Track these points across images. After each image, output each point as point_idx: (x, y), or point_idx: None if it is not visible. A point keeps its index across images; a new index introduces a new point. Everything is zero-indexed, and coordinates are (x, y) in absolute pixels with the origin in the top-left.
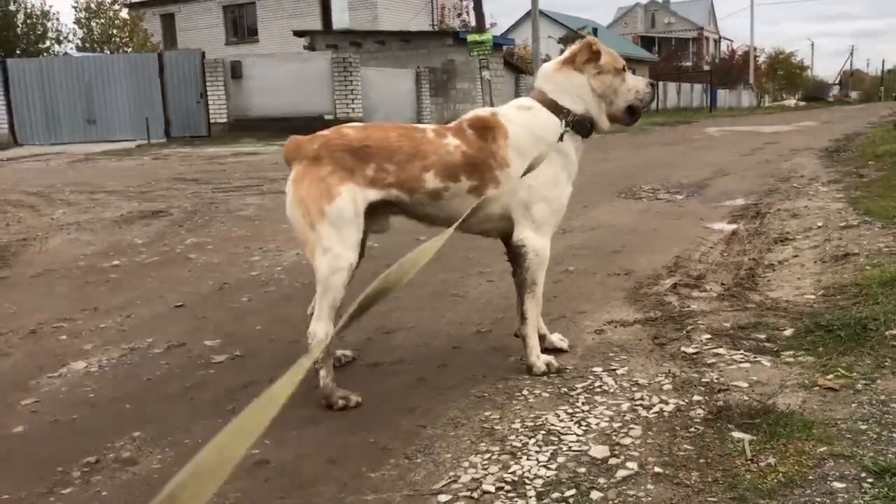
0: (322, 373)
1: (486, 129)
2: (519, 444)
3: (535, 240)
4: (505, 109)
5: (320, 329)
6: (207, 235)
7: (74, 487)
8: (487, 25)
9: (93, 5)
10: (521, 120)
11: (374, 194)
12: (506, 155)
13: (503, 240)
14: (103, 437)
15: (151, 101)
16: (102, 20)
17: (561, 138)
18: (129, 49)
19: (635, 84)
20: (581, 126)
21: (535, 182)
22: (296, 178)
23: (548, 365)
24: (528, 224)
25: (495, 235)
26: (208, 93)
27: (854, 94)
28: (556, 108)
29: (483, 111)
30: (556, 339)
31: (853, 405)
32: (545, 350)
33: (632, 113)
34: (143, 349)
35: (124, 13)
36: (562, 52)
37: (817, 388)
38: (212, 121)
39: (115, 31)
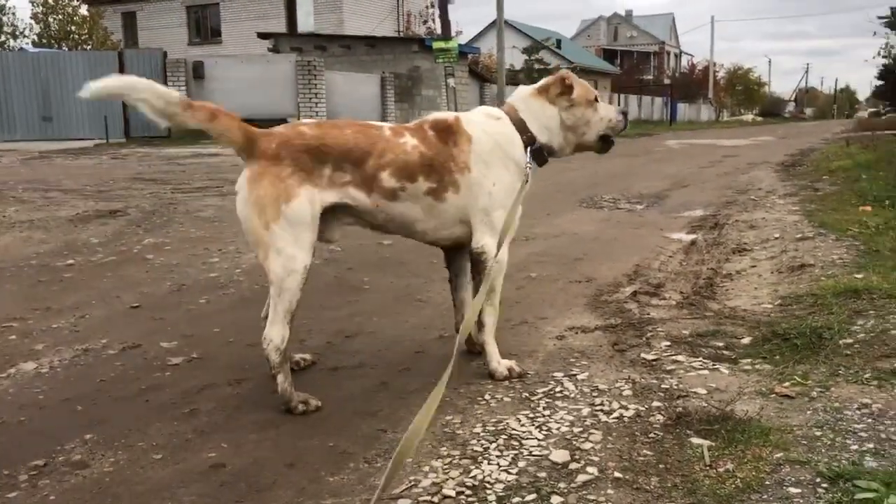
0: (279, 378)
1: (448, 133)
2: (480, 449)
3: (496, 246)
4: (471, 115)
5: (276, 334)
6: (166, 236)
7: (21, 491)
8: (453, 33)
9: (50, 0)
10: (488, 128)
11: (331, 196)
12: (467, 160)
13: (451, 248)
14: (53, 440)
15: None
16: (60, 16)
17: (527, 178)
18: (88, 46)
19: (607, 113)
20: (538, 155)
21: (495, 189)
22: (253, 178)
23: (509, 370)
24: (488, 230)
25: (449, 244)
26: None
27: (809, 111)
28: (522, 127)
29: (446, 114)
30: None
31: (808, 412)
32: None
33: (605, 141)
34: (97, 350)
35: (83, 10)
36: (526, 62)
37: (774, 395)
38: None
39: (73, 28)
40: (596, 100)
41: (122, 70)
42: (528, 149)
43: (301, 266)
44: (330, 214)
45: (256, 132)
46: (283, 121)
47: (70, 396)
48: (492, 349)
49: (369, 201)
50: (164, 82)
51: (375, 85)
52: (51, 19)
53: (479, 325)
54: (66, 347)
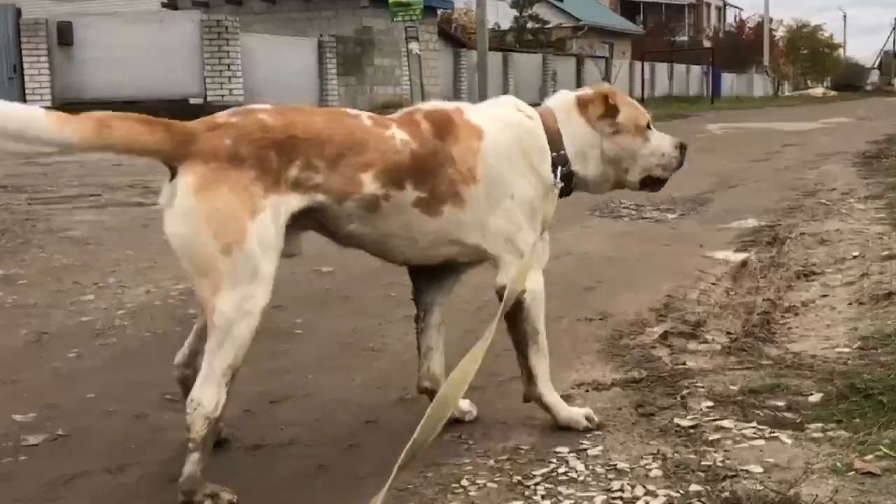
0: (195, 456)
1: (448, 126)
2: None
3: (531, 278)
4: (483, 107)
5: (208, 396)
6: (20, 265)
7: None
8: None
9: None
10: (507, 119)
11: (296, 202)
12: (474, 166)
13: (425, 279)
14: None
15: None
16: None
17: (556, 198)
18: None
19: (659, 146)
20: (566, 181)
21: (513, 204)
22: (203, 185)
23: (588, 419)
24: (515, 260)
25: (435, 263)
26: (25, 65)
27: None
28: (556, 140)
29: (448, 104)
30: (466, 405)
31: None
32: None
33: (653, 182)
34: None
35: None
36: (516, 20)
37: (853, 472)
38: (30, 103)
39: None
40: (648, 126)
41: None
42: (559, 169)
43: (259, 307)
44: (294, 221)
45: (191, 127)
46: (183, 102)
47: None
48: (554, 398)
49: (341, 209)
50: (18, 51)
51: (311, 53)
52: None
53: (529, 376)
54: None
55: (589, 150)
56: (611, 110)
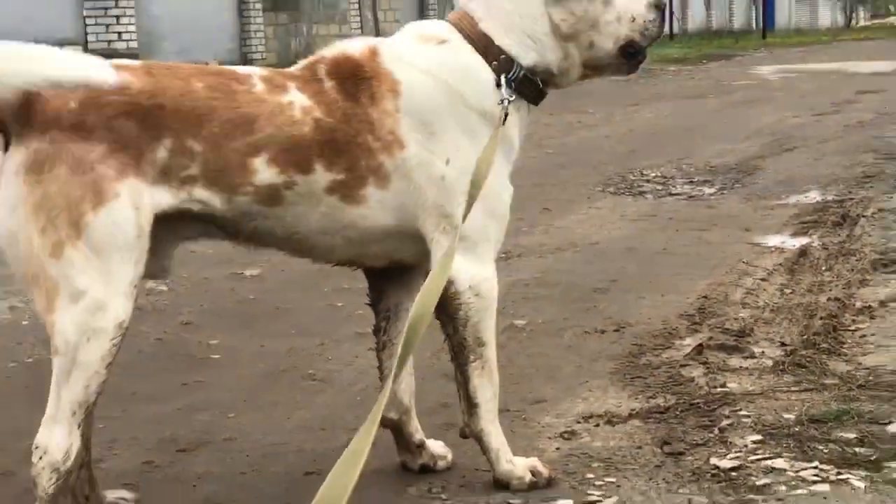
0: None
1: (360, 79)
2: None
3: (470, 268)
4: (396, 44)
5: (55, 441)
6: None
7: None
8: None
9: None
10: (426, 62)
11: (166, 198)
12: (396, 127)
13: (383, 274)
14: None
15: None
16: None
17: (504, 118)
18: None
19: (627, 7)
20: (527, 87)
21: (452, 170)
22: (32, 164)
23: (533, 473)
24: (453, 243)
25: (380, 265)
26: None
27: None
28: (488, 47)
29: (355, 45)
30: (440, 448)
31: None
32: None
33: (630, 55)
34: None
35: None
36: None
37: None
38: None
39: None
40: None
41: None
42: (505, 78)
43: (112, 323)
44: (162, 226)
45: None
46: None
47: None
48: (496, 442)
49: (231, 207)
50: None
51: None
52: None
53: (469, 403)
54: None
55: (535, 27)
56: None
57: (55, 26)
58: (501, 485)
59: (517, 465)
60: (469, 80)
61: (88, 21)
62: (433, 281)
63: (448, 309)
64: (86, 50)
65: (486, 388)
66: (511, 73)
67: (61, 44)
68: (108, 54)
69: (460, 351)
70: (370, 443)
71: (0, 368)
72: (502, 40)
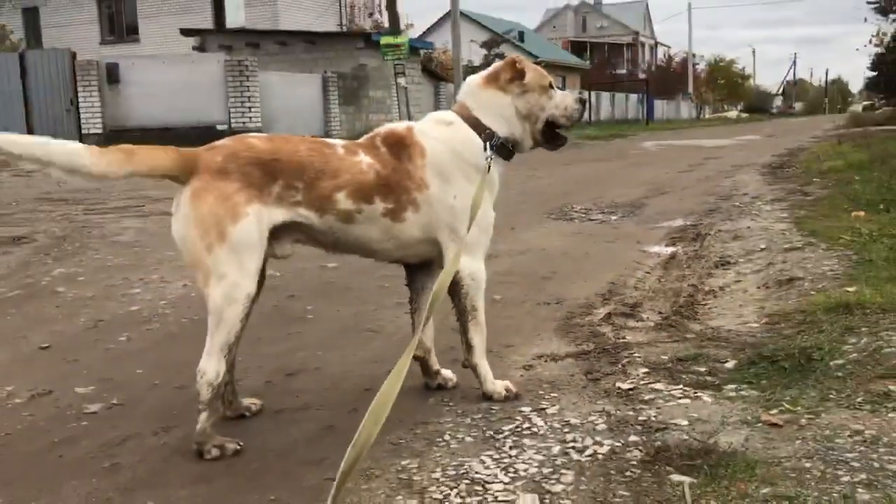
0: (204, 415)
1: (401, 147)
2: (440, 496)
3: (469, 263)
4: (422, 124)
5: (211, 367)
6: (79, 265)
7: None
8: (403, 27)
9: None
10: (441, 136)
11: (280, 215)
12: (423, 175)
13: (416, 266)
14: None
15: (11, 107)
16: None
17: (488, 168)
18: None
19: (562, 100)
20: (503, 150)
21: (458, 202)
22: (195, 193)
23: (507, 390)
24: (458, 248)
25: (416, 261)
26: (80, 99)
27: (798, 106)
28: (478, 126)
29: (398, 126)
30: (449, 374)
31: (797, 442)
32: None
33: (553, 131)
34: (1, 399)
35: None
36: (486, 57)
37: (761, 424)
38: (84, 131)
39: None
40: (550, 86)
41: (23, 74)
42: (488, 144)
43: (244, 295)
44: (281, 230)
45: (195, 150)
46: (211, 129)
47: None
48: (484, 370)
49: (322, 222)
50: (74, 87)
51: (316, 86)
52: None
53: (468, 346)
54: None
55: (506, 112)
56: (517, 74)
57: (212, 114)
58: (487, 397)
59: (497, 385)
60: (467, 146)
61: (231, 111)
62: (446, 271)
63: (456, 287)
64: (229, 127)
65: (478, 335)
66: (493, 141)
67: (215, 125)
68: (243, 130)
69: (462, 313)
70: (406, 366)
71: (177, 323)
72: (486, 121)
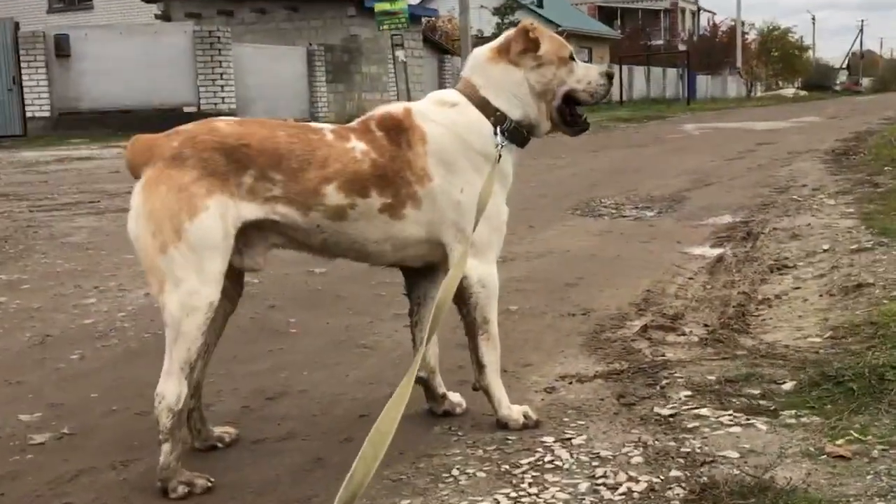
0: (166, 447)
1: (400, 131)
2: None
3: (478, 268)
4: (422, 105)
5: (170, 389)
6: (23, 271)
7: None
8: None
9: None
10: (444, 119)
11: (251, 210)
12: (425, 165)
13: (417, 272)
14: None
15: None
16: None
17: (498, 159)
18: None
19: (585, 74)
20: (516, 135)
21: (465, 196)
22: (147, 185)
23: (525, 416)
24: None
25: (417, 265)
26: (24, 77)
27: (865, 82)
28: (487, 107)
29: (395, 107)
30: (457, 398)
31: (869, 477)
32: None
33: (573, 110)
34: None
35: None
36: (498, 26)
37: (825, 456)
38: (29, 115)
39: None
40: (571, 58)
41: None
42: (499, 129)
43: (205, 303)
44: (253, 234)
45: (153, 136)
46: (177, 111)
47: None
48: (499, 393)
49: (306, 220)
50: (17, 62)
51: (300, 61)
52: None
53: (479, 365)
54: None
55: (520, 90)
56: (532, 45)
57: (179, 94)
58: (501, 425)
59: (513, 411)
60: (474, 132)
61: (201, 90)
62: (452, 275)
63: (463, 297)
64: (198, 109)
65: (491, 353)
66: (504, 125)
67: (181, 107)
68: (215, 113)
69: (472, 327)
70: (408, 392)
71: (138, 338)
72: (496, 102)
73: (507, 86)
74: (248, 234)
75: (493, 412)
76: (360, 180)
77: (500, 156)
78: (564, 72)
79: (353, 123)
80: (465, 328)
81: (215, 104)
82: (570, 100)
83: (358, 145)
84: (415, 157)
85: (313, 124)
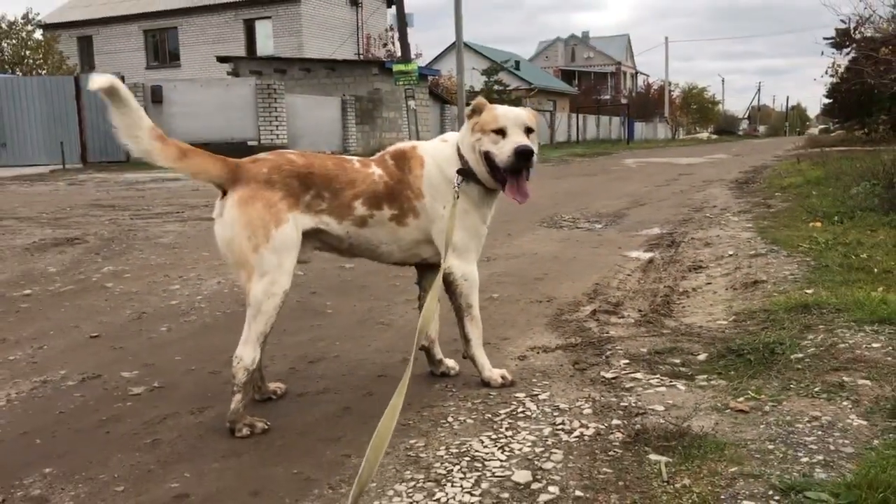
0: (237, 397)
1: (404, 160)
2: (443, 472)
3: (461, 266)
4: (427, 142)
5: (248, 353)
6: (125, 263)
7: None
8: (413, 56)
9: (3, 25)
10: (434, 152)
11: (308, 222)
12: (420, 186)
13: (426, 267)
14: (11, 474)
15: (67, 124)
16: (14, 41)
17: (456, 195)
18: (43, 71)
19: (506, 145)
20: (469, 176)
21: (447, 212)
22: (244, 200)
23: (503, 377)
24: (452, 252)
25: (417, 261)
26: None
27: (762, 129)
28: (460, 154)
29: (405, 144)
30: (452, 363)
31: (762, 426)
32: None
33: (491, 168)
34: (56, 381)
35: (38, 34)
36: (486, 83)
37: (729, 410)
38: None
39: (28, 53)
40: (500, 132)
41: (78, 96)
42: (457, 173)
43: (281, 290)
44: (305, 237)
45: (240, 161)
46: (242, 144)
47: (28, 429)
48: (482, 360)
49: (340, 227)
50: None
51: (336, 108)
52: (4, 44)
53: (465, 339)
54: (24, 379)
55: (473, 146)
56: (476, 110)
57: (244, 131)
58: (485, 384)
59: (494, 373)
60: (448, 165)
61: (261, 129)
62: (430, 297)
63: (451, 288)
64: (258, 143)
65: (474, 330)
66: (458, 169)
67: (246, 141)
68: (271, 146)
69: (459, 310)
70: (399, 406)
71: (212, 315)
72: (462, 150)
73: (466, 140)
74: (302, 237)
75: (478, 374)
76: (377, 197)
77: (457, 194)
78: (489, 139)
79: (374, 157)
80: (455, 311)
81: (271, 139)
82: (492, 161)
83: (377, 171)
84: (414, 179)
85: (346, 157)
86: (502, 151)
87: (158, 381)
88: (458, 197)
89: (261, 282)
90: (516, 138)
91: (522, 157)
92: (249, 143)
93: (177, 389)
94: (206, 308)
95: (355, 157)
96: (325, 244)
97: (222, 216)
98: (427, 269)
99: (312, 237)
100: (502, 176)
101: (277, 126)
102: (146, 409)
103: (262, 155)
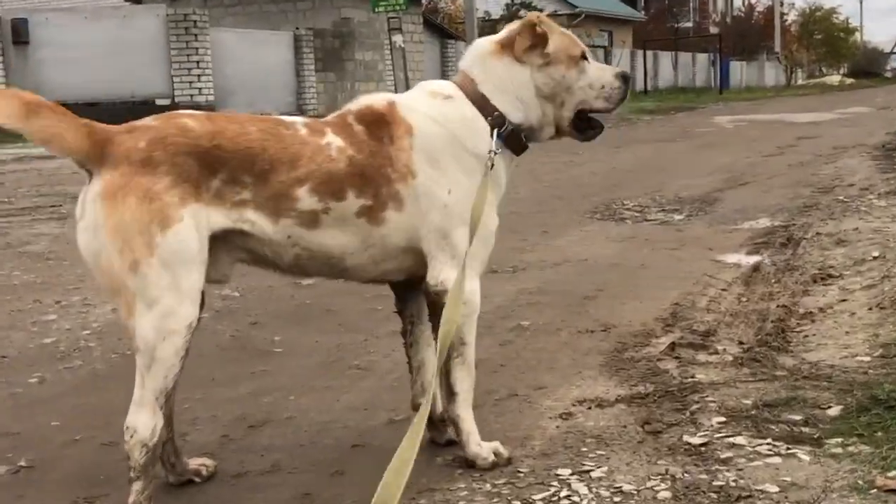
0: (137, 486)
1: (382, 124)
2: None
3: (463, 281)
4: (411, 97)
5: (143, 422)
6: None
7: None
8: None
9: None
10: (435, 112)
11: (219, 218)
12: (409, 161)
13: (405, 286)
14: None
15: None
16: None
17: (491, 165)
18: None
19: (599, 77)
20: (513, 140)
21: (452, 199)
22: (109, 193)
23: (496, 454)
24: (448, 259)
25: (401, 277)
26: None
27: None
28: (485, 105)
29: (377, 98)
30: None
31: None
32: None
33: (586, 120)
34: None
35: None
36: (507, 8)
37: (875, 490)
38: None
39: None
40: (584, 57)
41: None
42: (496, 132)
43: (183, 325)
44: (218, 243)
45: (109, 129)
46: (149, 104)
47: None
48: (468, 426)
49: (276, 229)
50: None
51: (287, 47)
52: None
53: (450, 393)
54: None
55: (522, 91)
56: (539, 40)
57: (150, 85)
58: (469, 463)
59: (483, 447)
60: (467, 129)
61: (175, 80)
62: (451, 302)
63: (439, 312)
64: (172, 102)
65: (465, 380)
66: (502, 129)
67: (154, 99)
68: (191, 105)
69: (445, 347)
70: (422, 429)
71: (105, 359)
72: (496, 101)
73: (510, 85)
74: (214, 247)
75: (462, 447)
76: (335, 181)
77: (492, 163)
78: (575, 73)
79: (330, 117)
80: (439, 349)
81: (191, 96)
82: (581, 113)
83: (335, 141)
84: (398, 153)
85: (286, 118)
86: (606, 82)
87: (26, 459)
88: (492, 167)
89: (148, 315)
90: (597, 63)
91: (626, 80)
92: (159, 101)
93: (53, 470)
94: (96, 348)
95: (299, 119)
96: (253, 255)
97: (83, 216)
98: (413, 288)
99: (231, 243)
100: (584, 123)
101: (200, 76)
102: (7, 500)
103: (143, 120)
